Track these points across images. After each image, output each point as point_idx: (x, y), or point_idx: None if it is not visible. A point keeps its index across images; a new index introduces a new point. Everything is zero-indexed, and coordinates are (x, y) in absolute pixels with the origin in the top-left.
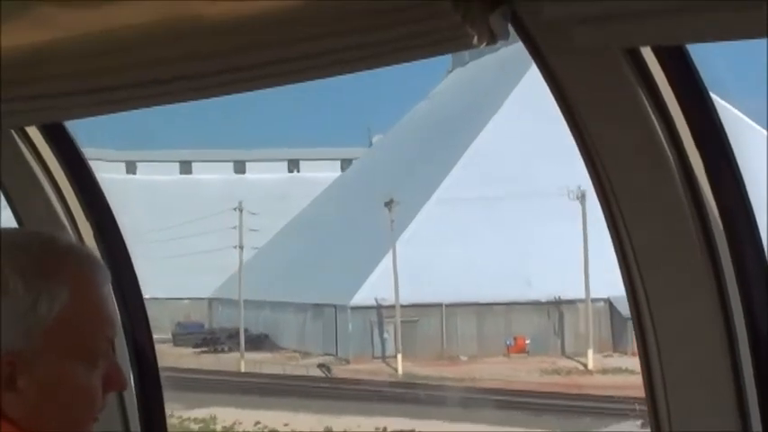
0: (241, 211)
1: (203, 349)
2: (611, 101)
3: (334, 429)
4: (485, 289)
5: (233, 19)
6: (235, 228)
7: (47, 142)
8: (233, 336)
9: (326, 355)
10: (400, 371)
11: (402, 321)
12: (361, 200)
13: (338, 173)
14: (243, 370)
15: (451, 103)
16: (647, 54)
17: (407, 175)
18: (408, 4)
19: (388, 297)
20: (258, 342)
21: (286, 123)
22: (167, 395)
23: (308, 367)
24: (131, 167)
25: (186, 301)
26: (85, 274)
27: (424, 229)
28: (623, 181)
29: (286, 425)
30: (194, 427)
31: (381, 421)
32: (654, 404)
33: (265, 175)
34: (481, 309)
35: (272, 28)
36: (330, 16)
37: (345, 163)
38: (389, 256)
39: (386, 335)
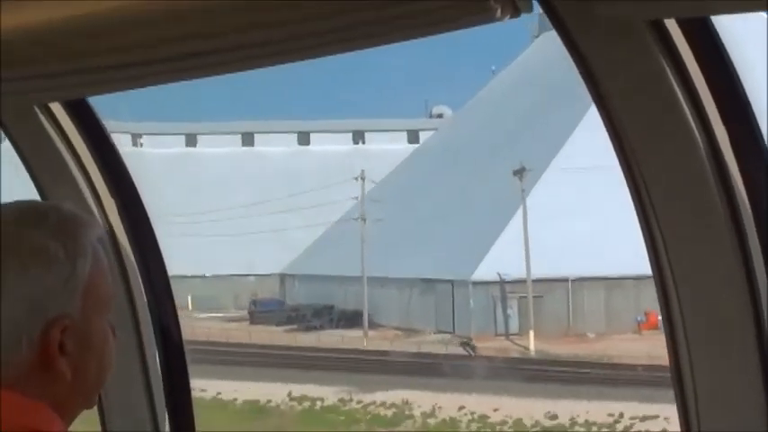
0: (363, 179)
1: (290, 327)
2: (636, 73)
3: (557, 414)
4: (612, 262)
5: None
6: (294, 200)
7: (70, 118)
8: (319, 312)
9: (441, 332)
10: (533, 349)
11: (526, 297)
12: (460, 170)
13: (404, 144)
14: (366, 348)
15: (553, 67)
16: (672, 26)
17: (511, 145)
18: None
19: (509, 271)
20: (353, 319)
21: (348, 93)
22: (315, 377)
23: (419, 345)
24: (191, 140)
25: (252, 278)
26: (94, 231)
27: (543, 199)
28: (648, 153)
29: (496, 410)
30: (386, 413)
31: (581, 406)
32: (680, 381)
33: (330, 146)
34: (609, 283)
35: (282, 5)
36: None
37: (411, 134)
38: (509, 228)
39: (509, 311)
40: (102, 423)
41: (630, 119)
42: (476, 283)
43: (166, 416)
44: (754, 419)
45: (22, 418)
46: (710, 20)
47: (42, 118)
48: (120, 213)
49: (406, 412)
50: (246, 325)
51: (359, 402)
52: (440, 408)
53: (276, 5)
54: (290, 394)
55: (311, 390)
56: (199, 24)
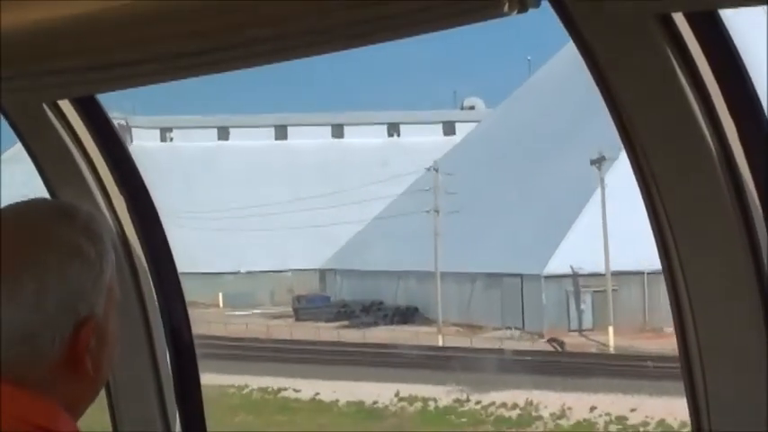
0: (437, 170)
1: (340, 323)
2: (644, 68)
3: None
4: None
5: None
6: (332, 194)
7: (79, 115)
8: (368, 308)
9: (508, 328)
10: (612, 345)
11: (599, 291)
12: (521, 160)
13: (440, 137)
14: (441, 344)
15: None
16: (680, 20)
17: (577, 132)
18: None
19: (581, 265)
20: (407, 315)
21: (385, 86)
22: (401, 374)
23: (489, 341)
24: (223, 133)
25: (288, 274)
26: (111, 231)
27: (615, 189)
28: (656, 147)
29: (633, 410)
30: (509, 414)
31: None
32: (690, 376)
33: (365, 139)
34: None
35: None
36: None
37: (447, 126)
38: (581, 219)
39: (583, 306)
40: (114, 423)
41: (639, 113)
42: (548, 277)
43: (177, 415)
44: (764, 419)
45: (41, 420)
46: (719, 14)
47: (51, 115)
48: (129, 211)
49: (533, 413)
50: (291, 321)
51: (477, 403)
52: (569, 408)
53: (283, 3)
54: (397, 394)
55: (419, 389)
56: (209, 21)
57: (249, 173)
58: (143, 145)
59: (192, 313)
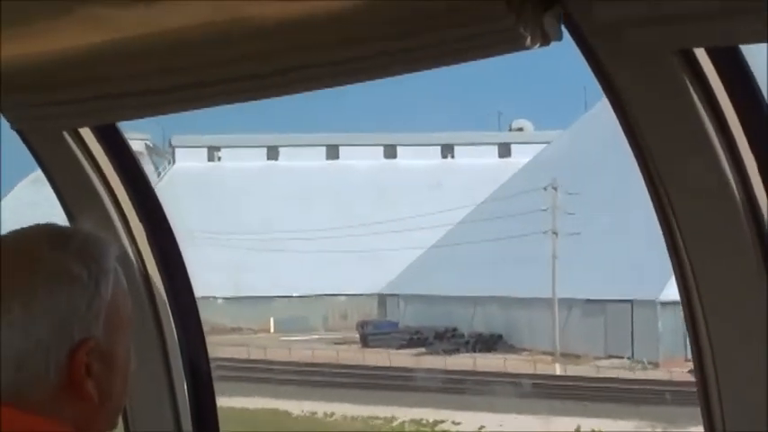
0: (555, 189)
1: (418, 351)
2: (664, 101)
3: None
4: None
5: (284, 20)
6: (385, 216)
7: (98, 142)
8: (442, 335)
9: (613, 357)
10: None
11: None
12: (610, 181)
13: (495, 159)
14: (558, 372)
15: None
16: (701, 54)
17: None
18: (462, 6)
19: None
20: (490, 342)
21: (437, 107)
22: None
23: (594, 370)
24: (273, 153)
25: (342, 298)
26: (114, 252)
27: None
28: (675, 180)
29: None
30: None
31: None
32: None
33: (418, 160)
34: None
35: (324, 30)
36: (383, 18)
37: (503, 148)
38: None
39: None
40: None
41: (658, 146)
42: (664, 304)
43: None
44: None
45: None
46: (740, 49)
47: (71, 142)
48: (147, 237)
49: None
50: (356, 347)
51: None
52: None
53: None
54: (578, 429)
55: (603, 424)
56: (230, 51)
57: (300, 194)
58: (189, 165)
59: (241, 338)
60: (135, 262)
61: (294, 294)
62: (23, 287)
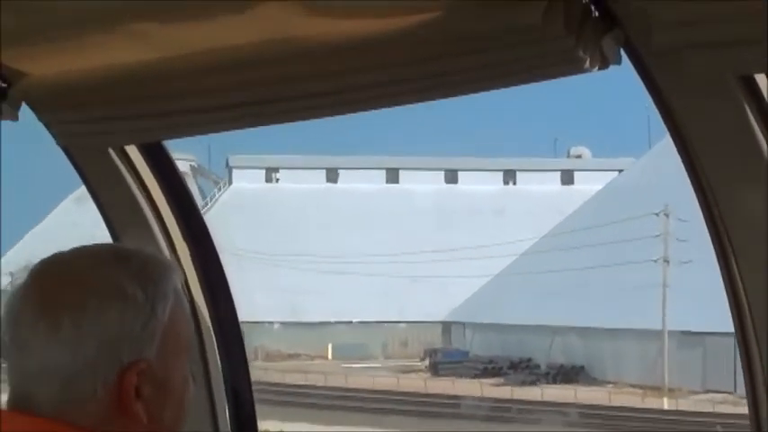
0: (667, 215)
1: (495, 381)
2: (724, 128)
3: None
4: None
5: (336, 39)
6: (447, 243)
7: (144, 160)
8: (516, 365)
9: (711, 391)
10: None
11: None
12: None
13: (558, 185)
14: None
15: None
16: (762, 81)
17: None
18: (522, 27)
19: None
20: (572, 374)
21: (498, 131)
22: None
23: (695, 404)
24: (332, 175)
25: (402, 325)
26: (175, 276)
27: None
28: (735, 209)
29: None
30: None
31: None
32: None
33: (479, 186)
34: None
35: (380, 49)
36: (443, 37)
37: (566, 175)
38: None
39: None
40: None
41: (715, 171)
42: None
43: None
44: None
45: None
46: None
47: (117, 160)
48: (191, 256)
49: None
50: (426, 376)
51: None
52: None
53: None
54: None
55: None
56: (274, 70)
57: (359, 218)
58: (245, 186)
59: (300, 365)
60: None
61: (353, 320)
62: (75, 304)
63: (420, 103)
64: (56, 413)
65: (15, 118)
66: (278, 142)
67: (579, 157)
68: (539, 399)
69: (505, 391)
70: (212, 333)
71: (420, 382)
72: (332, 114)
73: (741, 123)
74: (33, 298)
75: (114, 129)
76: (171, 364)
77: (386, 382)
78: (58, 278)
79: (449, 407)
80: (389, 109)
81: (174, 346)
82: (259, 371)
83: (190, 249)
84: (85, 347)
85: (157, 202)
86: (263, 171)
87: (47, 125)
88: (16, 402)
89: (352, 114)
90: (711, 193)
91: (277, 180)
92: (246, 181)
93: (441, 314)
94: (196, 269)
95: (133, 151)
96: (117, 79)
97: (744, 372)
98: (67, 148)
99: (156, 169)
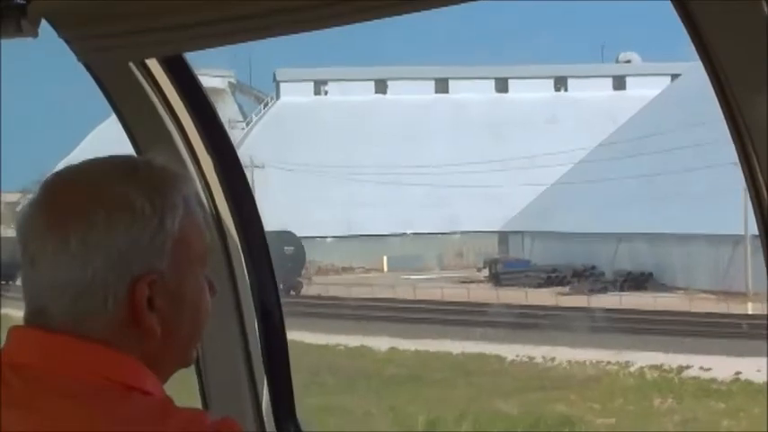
0: None
1: (560, 290)
2: (746, 27)
3: None
4: None
5: None
6: (499, 152)
7: (165, 74)
8: (580, 273)
9: None
10: None
11: None
12: None
13: (609, 91)
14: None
15: None
16: None
17: None
18: None
19: None
20: (641, 281)
21: (549, 37)
22: None
23: None
24: (381, 86)
25: (457, 236)
26: (186, 185)
27: None
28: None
29: None
30: None
31: None
32: None
33: (530, 93)
34: None
35: None
36: None
37: (617, 81)
38: None
39: None
40: (203, 396)
41: (737, 78)
42: None
43: (265, 387)
44: None
45: (111, 371)
46: None
47: (138, 74)
48: (215, 170)
49: None
50: (487, 287)
51: None
52: None
53: None
54: None
55: None
56: None
57: (410, 129)
58: (294, 100)
59: (356, 278)
60: (204, 198)
61: (407, 232)
62: (82, 219)
63: (465, 8)
64: (67, 327)
65: (35, 35)
66: (325, 54)
67: (628, 62)
68: (634, 306)
69: (579, 300)
70: (239, 248)
71: (490, 293)
72: (361, 20)
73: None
74: (42, 214)
75: (134, 42)
76: (184, 275)
77: (454, 293)
78: (66, 193)
79: (543, 318)
80: (437, 17)
81: (186, 257)
82: (317, 286)
83: (213, 162)
84: (94, 262)
85: (180, 115)
86: (312, 84)
87: (67, 41)
88: (31, 317)
89: (387, 19)
90: (734, 99)
91: (326, 93)
92: (294, 95)
93: (496, 224)
94: (220, 181)
95: (155, 66)
96: None
97: None
98: (88, 64)
99: (178, 83)
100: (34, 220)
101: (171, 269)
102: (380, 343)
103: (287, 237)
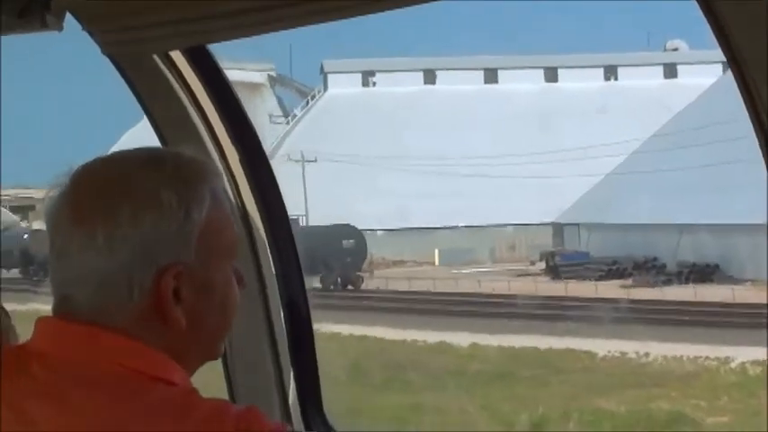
0: None
1: (622, 283)
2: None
3: None
4: None
5: None
6: (551, 143)
7: (190, 65)
8: (641, 265)
9: None
10: None
11: None
12: None
13: (660, 79)
14: None
15: None
16: None
17: None
18: None
19: None
20: (707, 273)
21: (598, 26)
22: None
23: None
24: (430, 77)
25: (509, 228)
26: (213, 177)
27: None
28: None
29: None
30: None
31: None
32: None
33: (580, 83)
34: None
35: None
36: None
37: (668, 69)
38: None
39: None
40: (230, 389)
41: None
42: None
43: (292, 382)
44: None
45: (134, 361)
46: None
47: (162, 66)
48: (241, 162)
49: None
50: (545, 280)
51: None
52: None
53: None
54: None
55: None
56: None
57: (459, 119)
58: (342, 92)
59: (410, 271)
60: (230, 190)
61: (459, 224)
62: (108, 213)
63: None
64: (92, 316)
65: (60, 28)
66: (372, 45)
67: (676, 50)
68: (717, 300)
69: (651, 293)
70: (265, 240)
71: (556, 286)
72: (388, 8)
73: None
74: (69, 206)
75: (158, 34)
76: (211, 267)
77: (520, 286)
78: (93, 187)
79: (627, 312)
80: (486, 9)
81: (214, 249)
82: (377, 279)
83: (239, 154)
84: (120, 254)
85: (205, 107)
86: (359, 75)
87: (91, 34)
88: (57, 307)
89: (434, 8)
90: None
91: (374, 84)
92: (342, 86)
93: (549, 216)
94: (245, 173)
95: (179, 58)
96: None
97: None
98: (113, 56)
99: (202, 74)
100: (61, 212)
101: (198, 261)
102: (460, 338)
103: (347, 230)
